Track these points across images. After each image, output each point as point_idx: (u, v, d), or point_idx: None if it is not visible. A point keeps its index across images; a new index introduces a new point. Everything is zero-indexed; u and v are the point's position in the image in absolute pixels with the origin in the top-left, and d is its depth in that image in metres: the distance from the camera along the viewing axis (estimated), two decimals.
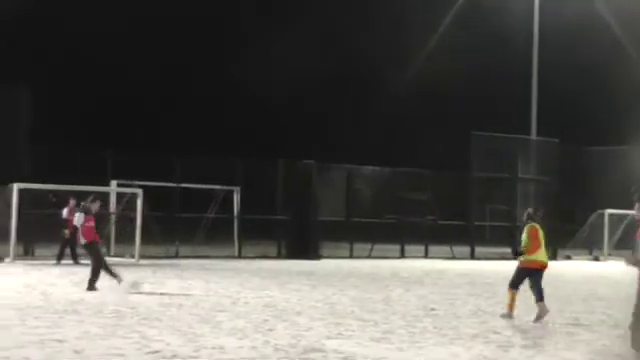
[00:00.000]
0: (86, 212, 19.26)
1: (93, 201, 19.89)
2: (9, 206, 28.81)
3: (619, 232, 43.19)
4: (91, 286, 18.68)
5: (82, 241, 19.27)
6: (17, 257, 28.65)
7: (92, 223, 19.24)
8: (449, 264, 33.97)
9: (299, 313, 15.37)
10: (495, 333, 13.66)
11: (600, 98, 58.48)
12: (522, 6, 45.70)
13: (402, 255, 37.73)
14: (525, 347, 12.42)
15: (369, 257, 36.26)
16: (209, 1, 62.90)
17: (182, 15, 60.91)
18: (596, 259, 40.96)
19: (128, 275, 19.87)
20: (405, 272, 28.13)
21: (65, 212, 27.72)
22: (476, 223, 40.62)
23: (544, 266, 15.43)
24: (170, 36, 59.79)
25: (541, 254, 15.38)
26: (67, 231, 26.53)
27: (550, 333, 14.08)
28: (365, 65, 60.32)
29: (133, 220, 31.07)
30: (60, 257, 27.53)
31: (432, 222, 39.41)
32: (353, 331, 13.34)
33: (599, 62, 57.41)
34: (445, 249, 38.57)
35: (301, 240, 35.95)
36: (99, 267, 18.89)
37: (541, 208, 19.79)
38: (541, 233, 15.43)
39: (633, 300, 11.47)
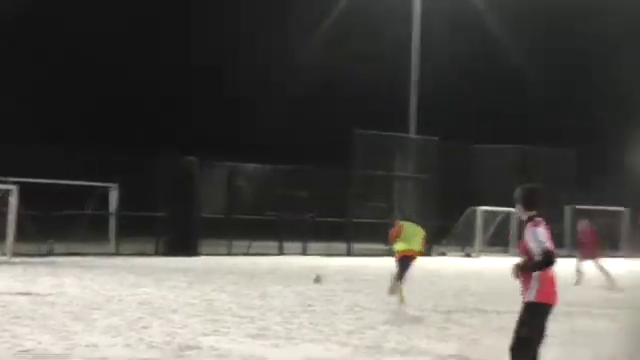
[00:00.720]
0: None
1: None
2: None
3: (492, 229, 44.23)
4: None
5: None
6: None
7: None
8: (327, 260, 34.15)
9: (175, 310, 15.25)
10: (371, 329, 13.80)
11: (483, 97, 59.57)
12: (402, 3, 46.15)
13: (281, 252, 37.80)
14: (399, 342, 12.58)
15: (248, 254, 36.18)
16: None
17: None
18: (468, 255, 41.80)
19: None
20: (283, 268, 28.19)
21: None
22: (354, 220, 40.91)
23: (408, 254, 17.57)
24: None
25: (404, 245, 17.56)
26: None
27: (424, 328, 14.29)
28: (247, 64, 60.13)
29: (5, 217, 30.30)
30: None
31: (311, 219, 39.57)
32: (229, 328, 13.30)
33: (481, 60, 58.59)
34: (323, 246, 38.78)
35: (180, 237, 35.63)
36: None
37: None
38: (406, 229, 17.75)
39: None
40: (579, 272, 24.38)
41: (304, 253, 38.01)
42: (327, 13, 50.39)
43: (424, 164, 43.56)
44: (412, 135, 44.86)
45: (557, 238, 12.19)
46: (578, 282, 23.88)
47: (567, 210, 46.52)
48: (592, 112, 59.56)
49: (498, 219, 44.09)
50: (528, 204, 8.54)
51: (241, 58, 59.85)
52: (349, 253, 39.35)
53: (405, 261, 17.61)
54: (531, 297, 8.27)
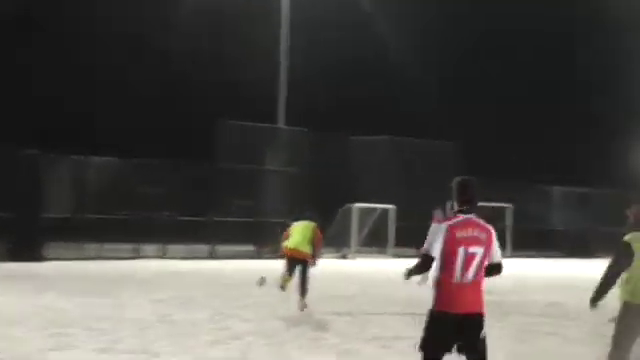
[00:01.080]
0: None
1: None
2: None
3: (366, 228, 44.62)
4: None
5: None
6: None
7: None
8: (188, 264, 33.88)
9: (15, 323, 14.81)
10: (236, 339, 13.70)
11: (358, 86, 60.15)
12: None
13: (137, 255, 37.28)
14: (268, 354, 12.53)
15: (99, 258, 35.57)
16: None
17: None
18: (344, 257, 42.08)
19: None
20: (139, 274, 27.81)
21: None
22: (216, 219, 40.62)
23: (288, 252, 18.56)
24: None
25: (289, 244, 18.45)
26: None
27: (295, 337, 14.25)
28: (95, 49, 59.15)
29: None
30: None
31: (169, 218, 39.18)
32: (77, 341, 12.99)
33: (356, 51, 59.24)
34: (184, 248, 38.43)
35: (23, 240, 34.79)
36: None
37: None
38: (294, 229, 18.69)
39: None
40: None
41: (163, 256, 37.58)
42: None
43: (294, 157, 43.60)
44: (281, 126, 44.88)
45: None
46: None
47: (449, 206, 47.33)
48: (477, 105, 60.98)
49: (374, 217, 44.53)
50: (457, 198, 8.43)
51: (94, 42, 58.78)
52: (212, 256, 39.10)
53: (291, 261, 18.49)
54: (431, 304, 8.27)
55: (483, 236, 8.23)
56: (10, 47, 56.90)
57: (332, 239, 43.96)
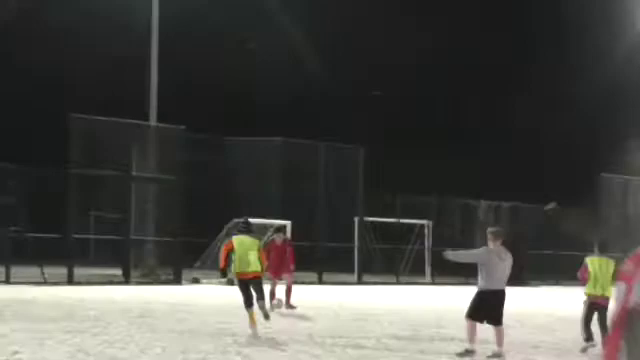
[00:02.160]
0: None
1: None
2: None
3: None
4: None
5: None
6: None
7: None
8: (40, 291, 33.27)
9: None
10: None
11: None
12: None
13: None
14: None
15: None
16: None
17: None
18: (231, 283, 41.55)
19: None
20: None
21: None
22: (76, 236, 39.85)
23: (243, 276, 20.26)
24: None
25: (238, 265, 20.18)
26: None
27: None
28: None
29: None
30: None
31: (17, 234, 38.44)
32: None
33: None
34: (34, 271, 37.71)
35: None
36: None
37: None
38: (239, 244, 20.23)
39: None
40: None
41: (7, 281, 36.85)
42: None
43: (167, 161, 42.73)
44: (152, 123, 44.05)
45: None
46: None
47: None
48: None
49: (268, 233, 44.16)
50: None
51: None
52: (70, 280, 38.39)
53: (242, 285, 20.08)
54: None
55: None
56: None
57: (216, 260, 43.56)
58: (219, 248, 43.30)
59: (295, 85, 62.50)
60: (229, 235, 43.19)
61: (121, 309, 19.43)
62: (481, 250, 17.76)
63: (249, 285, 20.05)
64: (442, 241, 47.45)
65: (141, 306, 19.05)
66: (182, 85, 56.08)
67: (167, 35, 46.11)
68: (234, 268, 20.27)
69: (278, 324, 21.91)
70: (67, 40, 58.29)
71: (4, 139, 50.56)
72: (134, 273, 40.98)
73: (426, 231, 50.41)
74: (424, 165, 57.52)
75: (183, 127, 42.65)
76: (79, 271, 39.13)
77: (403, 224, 50.33)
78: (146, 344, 17.87)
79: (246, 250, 20.10)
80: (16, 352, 16.28)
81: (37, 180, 39.48)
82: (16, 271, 37.63)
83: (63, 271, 38.74)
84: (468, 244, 39.26)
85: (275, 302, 26.57)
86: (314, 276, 45.27)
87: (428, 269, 50.05)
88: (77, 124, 39.90)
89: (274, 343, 19.05)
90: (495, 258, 17.22)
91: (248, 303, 20.00)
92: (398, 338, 20.65)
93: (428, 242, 50.38)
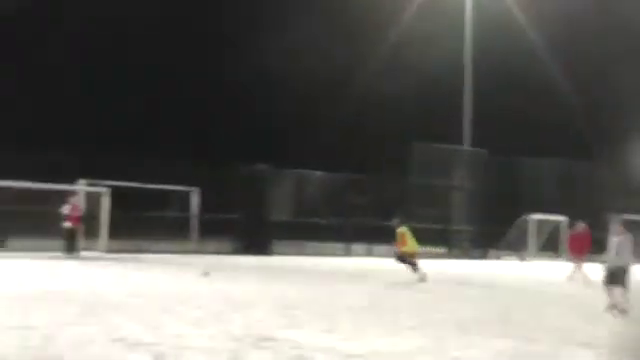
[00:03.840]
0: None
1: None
2: None
3: (543, 236, 43.64)
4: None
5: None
6: None
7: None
8: (390, 261, 33.92)
9: (253, 305, 15.26)
10: (432, 325, 13.63)
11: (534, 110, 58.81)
12: (454, 11, 45.81)
13: (348, 253, 37.69)
14: (498, 336, 12.42)
15: (318, 254, 36.15)
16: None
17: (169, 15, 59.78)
18: (523, 260, 41.28)
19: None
20: (349, 268, 28.09)
21: (66, 208, 28.02)
22: (416, 225, 40.55)
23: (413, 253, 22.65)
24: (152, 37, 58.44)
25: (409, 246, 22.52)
26: (68, 224, 27.28)
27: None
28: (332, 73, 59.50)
29: (99, 217, 30.81)
30: (70, 249, 27.60)
31: (374, 223, 39.49)
32: (303, 322, 13.26)
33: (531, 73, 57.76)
34: (387, 248, 38.48)
35: (254, 238, 35.83)
36: None
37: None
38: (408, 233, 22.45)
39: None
40: None
41: (369, 254, 37.91)
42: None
43: (474, 175, 43.57)
44: (465, 147, 44.76)
45: None
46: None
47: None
48: None
49: (549, 227, 43.56)
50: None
51: (304, 72, 59.33)
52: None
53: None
54: None
55: None
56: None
57: (511, 244, 43.26)
58: (515, 236, 43.18)
59: None
60: (517, 227, 43.05)
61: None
62: None
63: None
64: None
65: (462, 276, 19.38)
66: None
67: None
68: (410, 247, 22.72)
69: None
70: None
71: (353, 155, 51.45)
72: (453, 251, 41.54)
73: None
74: None
75: (485, 151, 43.37)
76: None
77: None
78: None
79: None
80: (379, 300, 16.77)
81: (382, 187, 40.47)
82: (375, 248, 38.44)
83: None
84: None
85: None
86: None
87: None
88: (417, 148, 41.20)
89: None
90: None
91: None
92: None
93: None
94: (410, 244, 22.49)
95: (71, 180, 31.40)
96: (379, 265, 30.93)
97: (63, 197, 28.96)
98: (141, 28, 56.34)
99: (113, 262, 25.36)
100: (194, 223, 36.18)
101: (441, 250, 41.20)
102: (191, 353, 9.98)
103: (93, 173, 32.10)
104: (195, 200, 36.31)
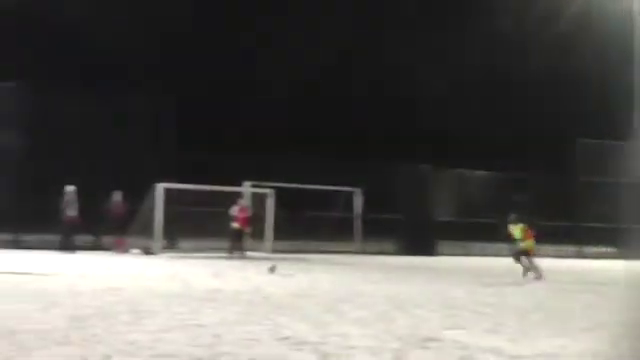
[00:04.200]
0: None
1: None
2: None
3: None
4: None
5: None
6: (163, 250, 29.21)
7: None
8: (556, 263, 33.03)
9: (417, 305, 15.10)
10: (605, 328, 13.10)
11: None
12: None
13: (506, 254, 36.91)
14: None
15: (482, 255, 35.58)
16: None
17: None
18: None
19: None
20: (518, 270, 27.47)
21: (235, 209, 28.85)
22: (583, 224, 39.37)
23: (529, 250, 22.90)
24: None
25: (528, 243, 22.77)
26: (236, 224, 28.17)
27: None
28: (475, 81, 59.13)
29: (264, 217, 31.36)
30: (235, 249, 28.44)
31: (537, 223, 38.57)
32: (467, 322, 13.00)
33: None
34: (551, 248, 37.48)
35: (418, 238, 35.62)
36: None
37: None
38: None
39: None
40: None
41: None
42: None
43: None
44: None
45: None
46: None
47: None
48: None
49: None
50: None
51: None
52: (579, 255, 38.02)
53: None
54: None
55: None
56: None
57: None
58: None
59: None
60: None
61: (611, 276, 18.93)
62: None
63: None
64: None
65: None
66: None
67: None
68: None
69: None
70: None
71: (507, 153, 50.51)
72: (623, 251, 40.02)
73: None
74: None
75: None
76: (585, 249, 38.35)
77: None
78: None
79: None
80: (541, 303, 16.28)
81: (548, 185, 39.36)
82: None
83: (572, 249, 38.28)
84: None
85: None
86: None
87: None
88: (581, 145, 39.84)
89: None
90: None
91: None
92: None
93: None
94: (527, 242, 22.72)
95: (238, 182, 32.13)
96: (544, 266, 30.11)
97: (231, 199, 29.62)
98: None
99: (278, 262, 25.74)
100: (357, 224, 36.30)
101: (611, 250, 39.68)
102: (355, 352, 9.91)
103: (258, 175, 32.73)
104: (359, 201, 36.43)
